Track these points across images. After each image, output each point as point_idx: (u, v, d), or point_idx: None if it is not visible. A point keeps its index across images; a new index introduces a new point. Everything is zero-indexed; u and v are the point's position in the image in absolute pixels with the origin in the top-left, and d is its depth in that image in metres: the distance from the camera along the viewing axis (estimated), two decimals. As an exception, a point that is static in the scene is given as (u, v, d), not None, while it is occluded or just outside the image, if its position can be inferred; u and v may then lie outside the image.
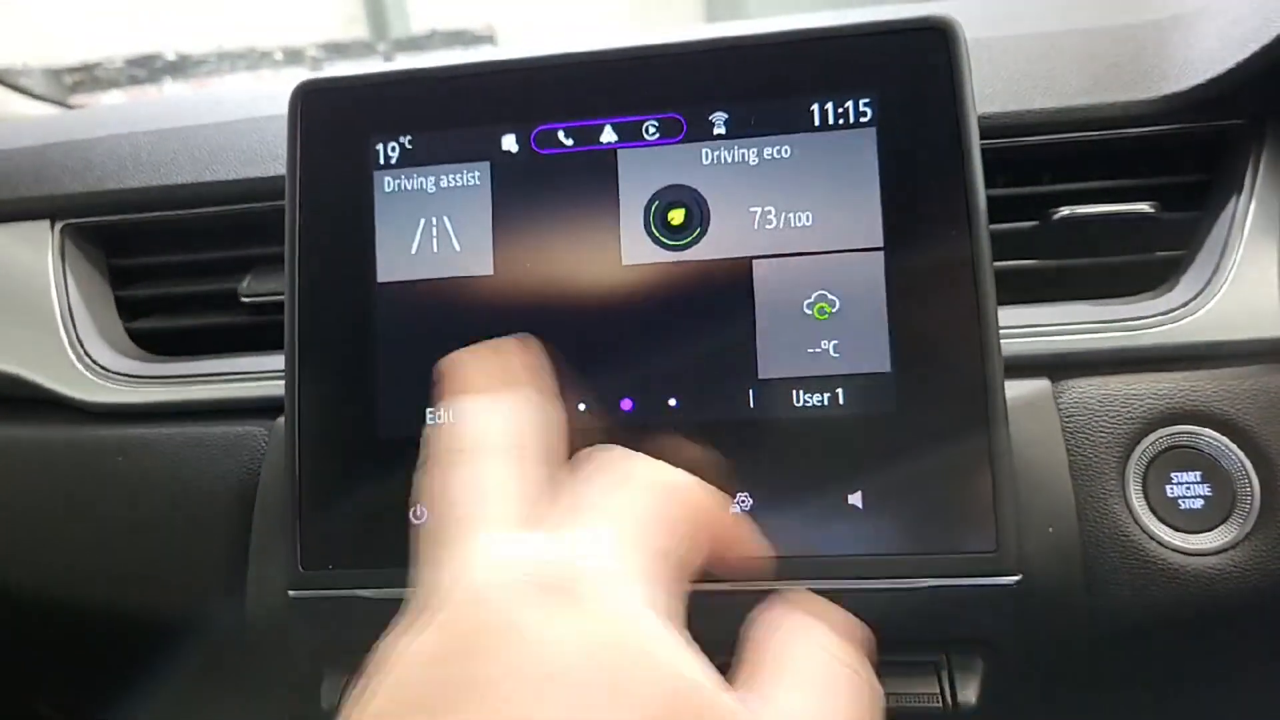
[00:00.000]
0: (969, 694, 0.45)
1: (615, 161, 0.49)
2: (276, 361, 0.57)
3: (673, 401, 0.48)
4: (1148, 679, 0.53)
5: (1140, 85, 0.55)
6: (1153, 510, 0.48)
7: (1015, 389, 0.49)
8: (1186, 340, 0.50)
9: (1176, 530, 0.48)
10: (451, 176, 0.50)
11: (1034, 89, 0.56)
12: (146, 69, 1.14)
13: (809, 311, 0.47)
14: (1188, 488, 0.48)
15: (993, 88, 0.56)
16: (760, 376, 0.47)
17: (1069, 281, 0.55)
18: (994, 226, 0.46)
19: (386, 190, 0.50)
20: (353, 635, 0.49)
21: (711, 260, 0.48)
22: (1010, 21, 0.62)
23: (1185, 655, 0.51)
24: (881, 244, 0.46)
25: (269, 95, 0.68)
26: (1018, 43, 0.58)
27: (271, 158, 0.62)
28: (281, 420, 0.55)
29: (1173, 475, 0.48)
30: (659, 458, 0.48)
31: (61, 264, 0.64)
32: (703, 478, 0.47)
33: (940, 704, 0.45)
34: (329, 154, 0.51)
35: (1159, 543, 0.48)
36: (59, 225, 0.64)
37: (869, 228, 0.47)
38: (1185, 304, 0.51)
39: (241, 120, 0.65)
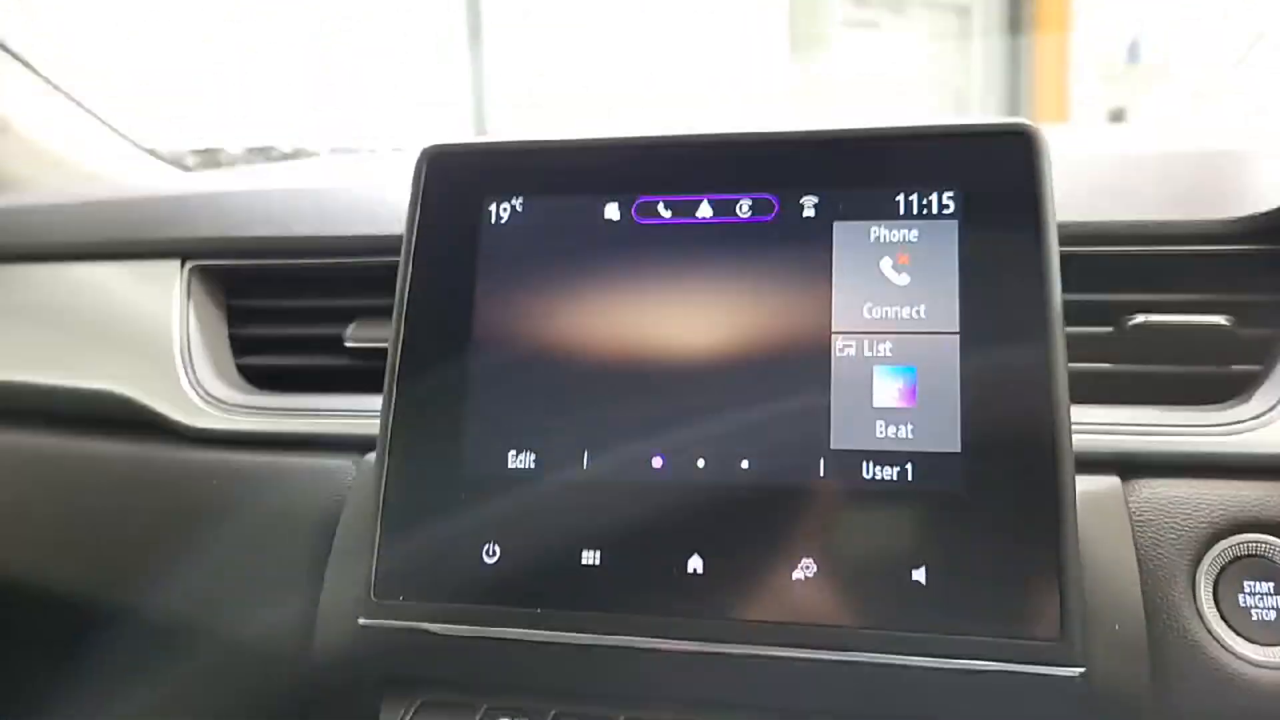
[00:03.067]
0: None
1: (709, 235, 0.52)
2: (372, 402, 0.61)
3: (745, 464, 0.49)
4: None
5: (1217, 206, 0.57)
6: (1224, 618, 0.48)
7: (1085, 484, 0.49)
8: (1261, 451, 0.50)
9: (1249, 641, 0.47)
10: (555, 238, 0.54)
11: (1113, 203, 0.58)
12: (264, 157, 1.24)
13: (883, 388, 0.49)
14: (1261, 598, 0.47)
15: (1073, 199, 0.58)
16: (832, 446, 0.49)
17: (1143, 388, 0.55)
18: (1069, 330, 0.48)
19: (494, 246, 0.54)
20: (416, 666, 0.51)
21: (793, 333, 0.50)
22: (1090, 142, 0.65)
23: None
24: (958, 329, 0.48)
25: (390, 168, 0.74)
26: (1097, 160, 0.61)
27: (390, 218, 0.67)
28: (370, 456, 0.58)
29: (1245, 584, 0.48)
30: (727, 518, 0.49)
31: (186, 301, 0.69)
32: (767, 541, 0.48)
33: None
34: (446, 210, 0.55)
35: (1230, 652, 0.47)
36: (188, 266, 0.70)
37: (946, 313, 0.49)
38: (1260, 415, 0.51)
39: (364, 185, 0.71)
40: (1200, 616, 0.47)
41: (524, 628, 0.49)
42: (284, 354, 0.68)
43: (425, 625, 0.50)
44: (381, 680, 0.51)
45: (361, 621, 0.51)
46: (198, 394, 0.65)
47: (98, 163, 1.02)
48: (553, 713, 0.49)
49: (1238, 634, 0.47)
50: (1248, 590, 0.48)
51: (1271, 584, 0.47)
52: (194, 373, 0.66)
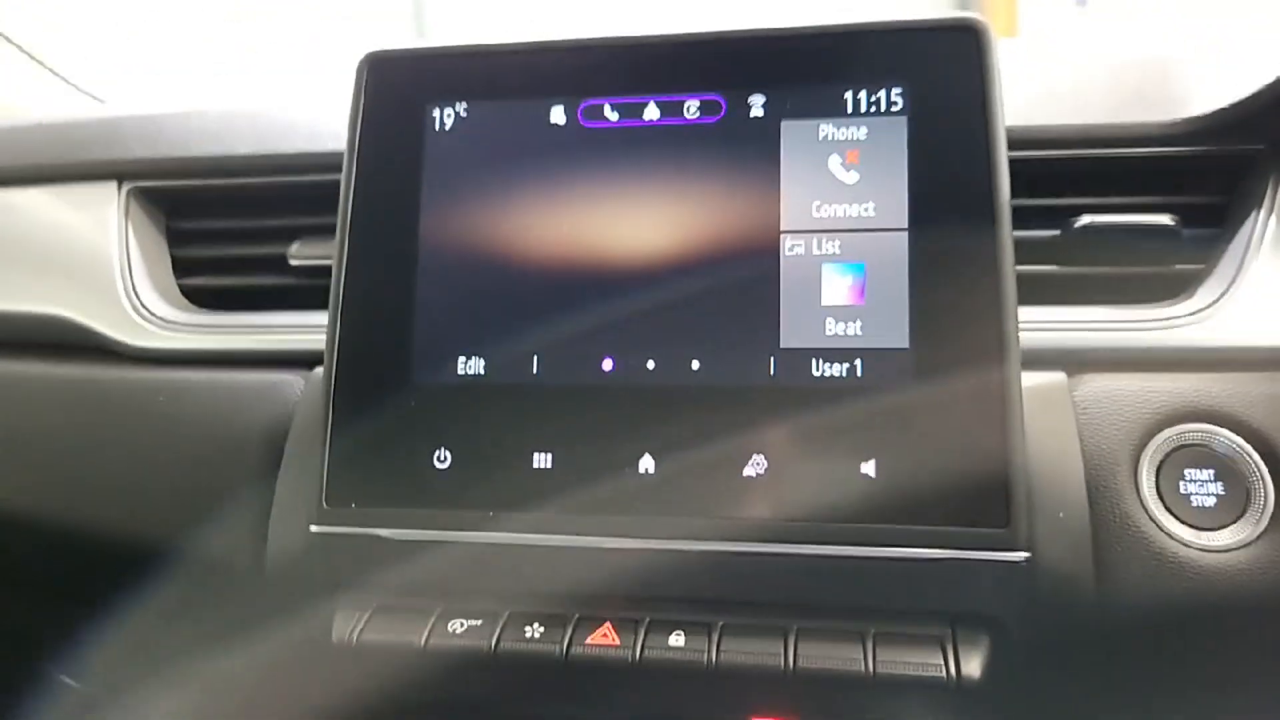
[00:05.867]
0: (973, 668, 0.45)
1: (657, 136, 0.51)
2: (318, 319, 0.59)
3: (695, 364, 0.49)
4: (1155, 672, 0.52)
5: (1164, 109, 0.57)
6: (1165, 505, 0.49)
7: (1031, 379, 0.50)
8: (1202, 344, 0.51)
9: (1188, 525, 0.48)
10: (500, 143, 0.53)
11: (1061, 108, 0.58)
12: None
13: (832, 286, 0.49)
14: (1201, 485, 0.48)
15: (1020, 104, 0.58)
16: (782, 345, 0.49)
17: (1089, 289, 0.56)
18: (1017, 234, 0.48)
19: (438, 152, 0.53)
20: (368, 573, 0.51)
21: (742, 233, 0.50)
22: (1038, 49, 0.65)
23: (1194, 651, 0.51)
24: (906, 225, 0.48)
25: (333, 84, 0.72)
26: (1046, 67, 0.61)
27: (330, 135, 0.65)
28: (318, 371, 0.57)
29: (1186, 472, 0.49)
30: (678, 418, 0.49)
31: (124, 222, 0.67)
32: (718, 439, 0.48)
33: (944, 674, 0.45)
34: (389, 117, 0.54)
35: (1170, 536, 0.48)
36: (125, 187, 0.68)
37: (895, 210, 0.49)
38: (1202, 309, 0.52)
39: (305, 103, 0.69)
40: (1142, 503, 0.48)
41: (476, 531, 0.49)
42: (227, 274, 0.67)
43: (377, 531, 0.50)
44: (334, 587, 0.51)
45: (313, 528, 0.50)
46: (140, 314, 0.63)
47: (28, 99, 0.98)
48: (506, 614, 0.49)
49: (1178, 519, 0.48)
50: (1188, 478, 0.49)
51: (1211, 470, 0.49)
52: (136, 294, 0.64)
